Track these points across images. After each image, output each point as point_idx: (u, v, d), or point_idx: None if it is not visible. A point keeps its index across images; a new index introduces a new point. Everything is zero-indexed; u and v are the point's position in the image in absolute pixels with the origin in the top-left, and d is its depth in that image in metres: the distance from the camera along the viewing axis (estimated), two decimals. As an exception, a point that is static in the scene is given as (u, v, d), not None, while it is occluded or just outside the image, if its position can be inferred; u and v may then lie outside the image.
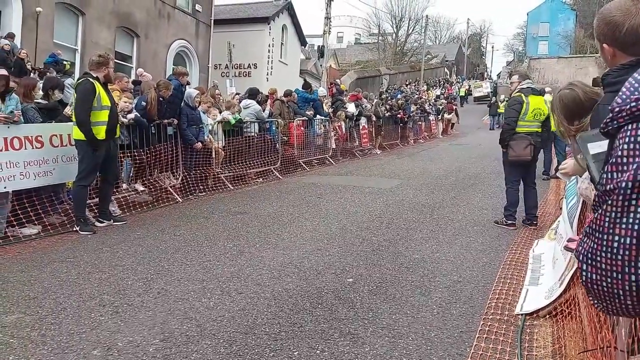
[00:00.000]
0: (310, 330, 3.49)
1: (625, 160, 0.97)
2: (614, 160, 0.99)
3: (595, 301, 1.09)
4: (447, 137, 24.44)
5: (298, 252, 5.35)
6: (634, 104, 0.96)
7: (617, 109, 1.00)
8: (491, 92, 40.68)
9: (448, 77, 54.20)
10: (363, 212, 7.35)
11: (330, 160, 13.66)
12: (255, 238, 5.88)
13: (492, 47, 72.79)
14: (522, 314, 3.78)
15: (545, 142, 7.47)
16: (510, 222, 6.59)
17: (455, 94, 40.99)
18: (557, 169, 10.93)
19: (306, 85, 14.47)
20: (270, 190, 9.38)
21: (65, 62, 13.99)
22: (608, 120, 1.02)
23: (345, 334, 3.45)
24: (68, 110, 6.58)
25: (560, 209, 5.85)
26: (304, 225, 6.52)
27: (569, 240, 2.60)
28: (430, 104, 26.90)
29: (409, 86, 40.22)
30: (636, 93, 0.98)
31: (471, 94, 43.84)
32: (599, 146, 1.24)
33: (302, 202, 8.14)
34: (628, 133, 0.97)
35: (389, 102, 20.33)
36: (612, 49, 1.89)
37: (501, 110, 27.33)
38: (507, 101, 9.67)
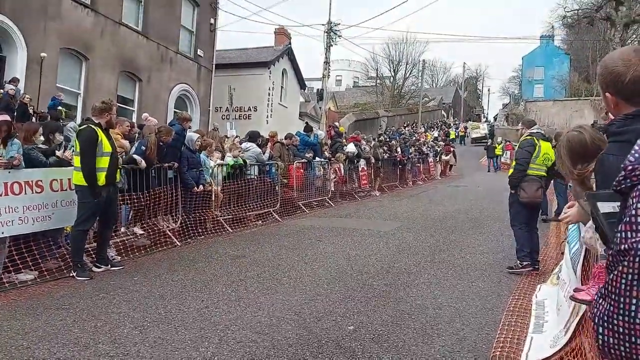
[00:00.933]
0: (310, 382, 3.39)
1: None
2: (628, 219, 0.97)
3: None
4: (445, 179, 24.52)
5: (298, 297, 5.27)
6: None
7: (630, 167, 0.99)
8: (488, 133, 41.12)
9: (445, 119, 54.89)
10: (363, 256, 7.28)
11: (330, 202, 13.65)
12: (254, 283, 5.80)
13: (489, 90, 74.15)
14: (527, 364, 3.68)
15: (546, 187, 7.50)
16: (527, 263, 6.43)
17: (450, 135, 41.40)
18: (557, 213, 10.93)
19: (307, 128, 14.64)
20: (269, 233, 9.33)
21: (61, 109, 14.12)
22: (621, 178, 1.01)
23: (347, 386, 3.35)
24: (67, 154, 6.61)
25: (562, 253, 5.81)
26: (303, 270, 6.45)
27: (575, 290, 2.56)
28: (428, 146, 27.13)
29: (407, 128, 40.68)
30: None
31: (468, 136, 44.30)
32: (611, 206, 1.22)
33: (301, 245, 8.08)
34: None
35: (388, 143, 20.52)
36: (615, 99, 1.91)
37: (498, 152, 27.59)
38: (505, 143, 9.83)
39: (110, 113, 6.33)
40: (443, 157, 26.18)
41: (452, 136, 40.94)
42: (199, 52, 21.31)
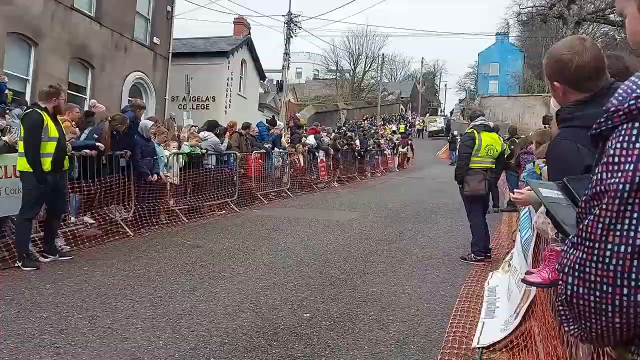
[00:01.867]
0: (264, 369, 3.35)
1: (618, 160, 0.90)
2: (605, 160, 0.93)
3: (575, 324, 1.00)
4: (403, 171, 24.86)
5: (254, 287, 5.21)
6: (632, 101, 0.91)
7: (612, 109, 0.95)
8: (444, 127, 41.91)
9: (404, 113, 55.59)
10: (321, 245, 7.28)
11: (288, 193, 13.59)
12: (210, 273, 5.70)
13: (445, 85, 75.50)
14: (479, 348, 3.76)
15: (496, 177, 7.66)
16: (480, 258, 6.54)
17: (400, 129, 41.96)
18: (509, 203, 11.24)
19: (273, 122, 14.54)
20: (226, 223, 9.20)
21: (9, 93, 13.47)
22: (602, 120, 0.97)
23: (302, 372, 3.33)
24: (10, 138, 6.31)
25: (513, 241, 5.97)
26: (260, 259, 6.39)
27: (527, 273, 2.61)
28: (386, 139, 27.41)
29: (366, 121, 40.98)
30: (637, 91, 0.94)
31: (426, 129, 45.03)
32: (553, 193, 1.22)
33: (258, 235, 8.00)
34: (622, 132, 0.91)
35: (347, 136, 20.63)
36: (563, 87, 1.94)
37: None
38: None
39: (58, 98, 6.05)
40: (401, 149, 26.52)
41: (402, 130, 41.45)
42: (155, 40, 20.73)
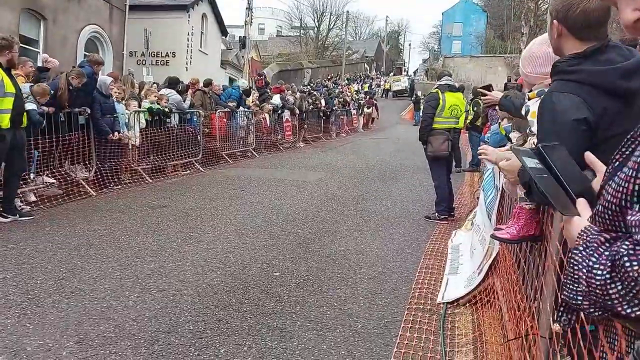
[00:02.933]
0: (236, 327, 3.40)
1: None
2: None
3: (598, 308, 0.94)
4: (367, 131, 24.96)
5: (222, 246, 5.21)
6: None
7: None
8: (408, 87, 42.05)
9: (368, 72, 55.34)
10: (288, 205, 7.31)
11: (254, 152, 13.49)
12: (177, 233, 5.66)
13: (410, 45, 75.21)
14: (443, 303, 3.91)
15: (457, 138, 7.78)
16: (443, 217, 6.71)
17: (374, 89, 41.90)
18: (471, 164, 11.48)
19: (248, 92, 14.24)
20: (191, 183, 9.10)
21: None
22: None
23: (273, 329, 3.40)
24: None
25: (477, 198, 6.14)
26: (227, 219, 6.37)
27: (496, 229, 2.70)
28: (352, 99, 27.34)
29: (330, 80, 40.65)
30: None
31: (390, 89, 45.06)
32: (534, 162, 1.23)
33: (225, 195, 7.96)
34: None
35: (313, 95, 20.45)
36: (561, 27, 1.93)
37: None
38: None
39: (11, 51, 5.74)
40: (366, 110, 26.54)
41: (365, 89, 41.41)
42: (111, -10, 19.74)
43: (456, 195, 7.86)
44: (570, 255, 1.03)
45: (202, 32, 26.18)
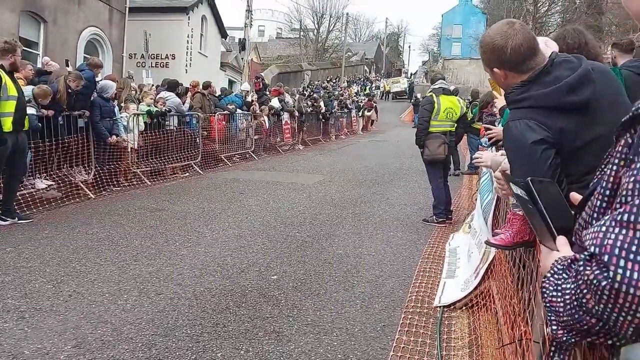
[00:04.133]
0: (233, 330, 3.42)
1: None
2: None
3: (627, 316, 0.84)
4: (367, 134, 24.99)
5: (220, 249, 5.23)
6: None
7: None
8: (408, 88, 42.07)
9: (368, 74, 55.38)
10: (286, 208, 7.33)
11: (253, 155, 13.51)
12: (175, 236, 5.68)
13: (409, 47, 75.31)
14: (440, 307, 3.93)
15: (457, 140, 7.81)
16: (441, 220, 6.72)
17: (374, 91, 41.96)
18: (469, 166, 11.49)
19: (248, 105, 14.27)
20: (190, 186, 9.11)
21: None
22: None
23: (270, 332, 3.41)
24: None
25: (475, 201, 6.16)
26: (226, 222, 6.39)
27: (494, 234, 2.72)
28: (351, 101, 27.38)
29: (330, 82, 40.68)
30: None
31: (390, 91, 45.09)
32: (519, 191, 1.26)
33: (223, 198, 7.97)
34: None
35: (312, 97, 20.48)
36: (504, 71, 2.01)
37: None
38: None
39: (14, 55, 5.78)
40: (366, 113, 26.57)
41: (366, 91, 41.49)
42: (111, -8, 19.78)
43: (454, 198, 7.87)
44: (541, 285, 1.02)
45: (201, 34, 26.22)
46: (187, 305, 3.80)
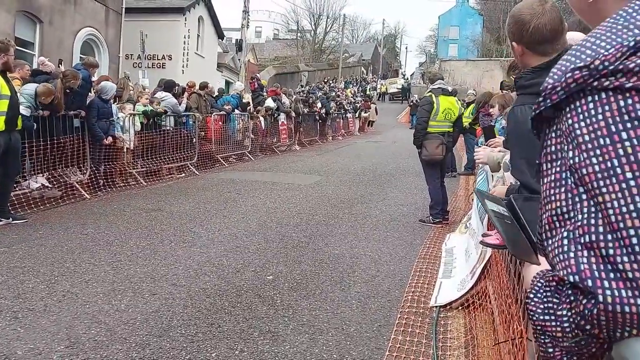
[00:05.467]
0: (228, 330, 3.40)
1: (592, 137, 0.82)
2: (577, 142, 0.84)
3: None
4: (363, 135, 24.99)
5: (216, 250, 5.20)
6: (569, 74, 0.84)
7: (549, 87, 0.90)
8: (405, 89, 42.10)
9: (365, 75, 55.42)
10: (283, 209, 7.31)
11: (249, 156, 13.48)
12: (171, 236, 5.65)
13: (406, 48, 75.51)
14: (436, 307, 3.91)
15: (454, 141, 7.79)
16: (437, 220, 6.72)
17: (372, 92, 41.99)
18: (466, 167, 11.48)
19: (244, 107, 14.25)
20: (186, 186, 9.08)
21: None
22: (540, 100, 0.89)
23: (265, 333, 3.39)
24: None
25: (472, 201, 6.15)
26: (222, 223, 6.37)
27: (484, 235, 2.71)
28: (348, 102, 27.38)
29: (327, 84, 40.69)
30: (575, 63, 0.84)
31: (387, 92, 45.12)
32: (497, 207, 1.24)
33: (220, 198, 7.95)
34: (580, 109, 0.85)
35: (309, 98, 20.47)
36: (521, 47, 1.99)
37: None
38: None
39: (7, 54, 5.74)
40: (363, 114, 26.55)
41: (367, 92, 41.52)
42: (107, -7, 19.74)
43: (451, 199, 7.86)
44: (527, 307, 0.96)
45: (198, 35, 26.19)
46: (182, 305, 3.78)
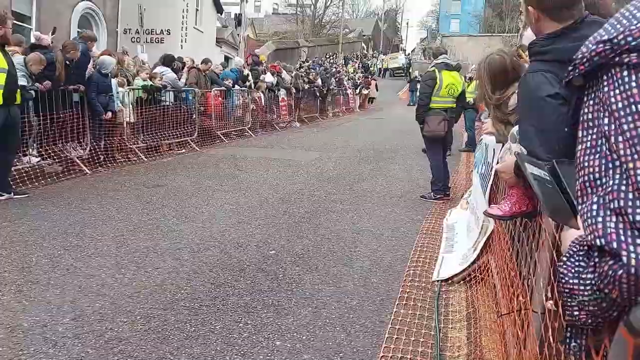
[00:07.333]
0: (232, 304, 3.42)
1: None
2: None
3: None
4: (364, 111, 24.87)
5: (218, 225, 5.22)
6: (593, 47, 0.85)
7: (579, 55, 0.88)
8: (405, 65, 41.74)
9: (365, 51, 54.85)
10: (284, 185, 7.31)
11: (250, 132, 13.43)
12: (173, 212, 5.66)
13: (407, 24, 74.33)
14: (438, 281, 3.94)
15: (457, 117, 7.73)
16: (439, 196, 6.71)
17: (373, 68, 41.64)
18: (467, 144, 11.41)
19: (244, 79, 14.10)
20: (187, 162, 9.06)
21: None
22: (570, 69, 0.89)
23: (269, 306, 3.42)
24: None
25: (472, 179, 6.14)
26: (223, 198, 6.37)
27: (491, 206, 2.71)
28: (349, 78, 27.17)
29: (327, 59, 40.30)
30: (603, 36, 0.85)
31: (388, 68, 44.71)
32: (537, 171, 1.22)
33: (221, 174, 7.94)
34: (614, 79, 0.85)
35: (309, 74, 20.29)
36: (537, 12, 1.95)
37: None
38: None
39: (4, 26, 5.65)
40: (363, 91, 26.35)
41: (371, 68, 41.18)
42: (105, -35, 19.39)
43: (452, 175, 7.85)
44: (558, 270, 0.98)
45: (197, 9, 25.81)
46: (186, 279, 3.80)
